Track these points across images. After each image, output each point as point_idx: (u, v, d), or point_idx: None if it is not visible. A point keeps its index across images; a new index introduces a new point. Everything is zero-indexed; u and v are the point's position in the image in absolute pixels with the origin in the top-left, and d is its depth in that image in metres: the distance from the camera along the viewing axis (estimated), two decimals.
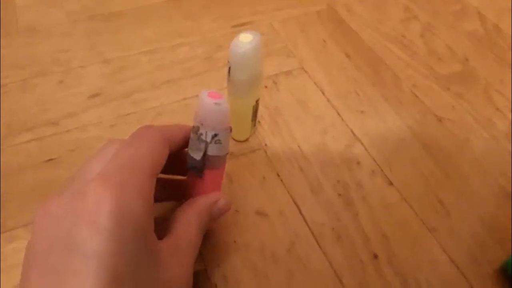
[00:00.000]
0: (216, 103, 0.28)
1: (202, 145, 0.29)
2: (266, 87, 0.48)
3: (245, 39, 0.34)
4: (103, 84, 0.47)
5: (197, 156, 0.29)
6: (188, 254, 0.27)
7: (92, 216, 0.22)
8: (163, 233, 0.27)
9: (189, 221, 0.29)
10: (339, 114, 0.45)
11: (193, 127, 0.29)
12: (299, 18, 0.57)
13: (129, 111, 0.45)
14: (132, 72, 0.49)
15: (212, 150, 0.29)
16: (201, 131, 0.29)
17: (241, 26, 0.55)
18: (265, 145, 0.42)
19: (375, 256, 0.35)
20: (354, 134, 0.44)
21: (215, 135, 0.29)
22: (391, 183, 0.40)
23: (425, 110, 0.46)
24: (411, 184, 0.40)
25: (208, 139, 0.29)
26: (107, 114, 0.44)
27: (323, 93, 0.47)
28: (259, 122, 0.44)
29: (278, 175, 0.40)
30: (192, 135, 0.30)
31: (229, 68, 0.35)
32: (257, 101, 0.39)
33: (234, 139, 0.42)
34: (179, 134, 0.30)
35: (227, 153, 0.31)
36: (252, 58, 0.34)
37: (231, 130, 0.30)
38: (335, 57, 0.52)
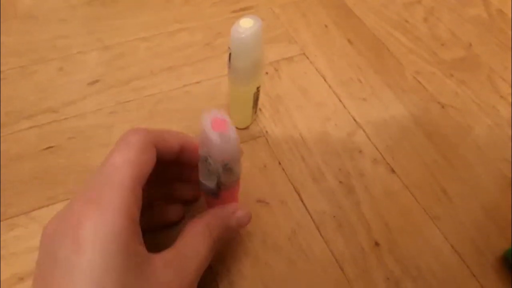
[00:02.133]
0: (221, 136, 0.26)
1: (214, 175, 0.28)
2: (267, 73, 0.47)
3: (246, 24, 0.33)
4: (103, 71, 0.47)
5: (211, 184, 0.28)
6: (189, 266, 0.27)
7: (75, 234, 0.22)
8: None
9: (195, 232, 0.28)
10: (341, 101, 0.45)
11: (201, 156, 0.28)
12: (300, 3, 0.56)
13: (129, 98, 0.44)
14: (131, 58, 0.48)
15: (225, 177, 0.28)
16: (209, 161, 0.27)
17: (241, 11, 0.54)
18: (266, 132, 0.42)
19: (377, 244, 0.35)
20: (356, 122, 0.43)
21: (226, 165, 0.28)
22: (393, 171, 0.40)
23: (428, 97, 0.46)
24: (414, 172, 0.40)
25: (219, 170, 0.28)
26: (107, 101, 0.44)
27: (324, 80, 0.47)
28: (260, 109, 0.44)
29: (280, 163, 0.40)
30: (200, 164, 0.28)
31: (230, 54, 0.34)
32: (258, 88, 0.38)
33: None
34: (171, 140, 0.29)
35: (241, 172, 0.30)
36: (253, 44, 0.34)
37: (242, 153, 0.29)
38: (337, 43, 0.51)
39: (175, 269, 0.26)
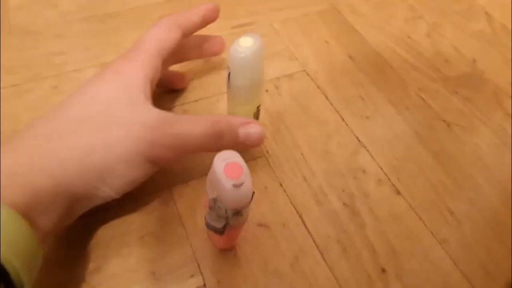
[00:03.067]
0: (235, 185, 0.24)
1: (222, 219, 0.27)
2: (267, 91, 0.46)
3: (246, 43, 0.32)
4: None
5: (218, 225, 0.27)
6: (187, 144, 0.32)
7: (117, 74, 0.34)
8: None
9: (199, 117, 0.33)
10: (343, 119, 0.44)
11: (210, 198, 0.27)
12: (301, 19, 0.55)
13: None
14: None
15: (234, 220, 0.27)
16: (219, 205, 0.26)
17: (241, 27, 0.53)
18: (267, 152, 0.41)
19: (383, 270, 0.34)
20: (359, 141, 0.42)
21: (237, 212, 0.26)
22: (398, 192, 0.38)
23: (433, 115, 0.44)
24: (420, 193, 0.38)
25: (229, 215, 0.27)
26: None
27: (326, 97, 0.46)
28: None
29: (281, 185, 0.39)
30: (210, 204, 0.27)
31: (229, 74, 0.33)
32: (258, 108, 0.37)
33: None
34: (194, 17, 0.39)
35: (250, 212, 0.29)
36: (253, 63, 0.33)
37: (253, 194, 0.27)
38: (338, 59, 0.50)
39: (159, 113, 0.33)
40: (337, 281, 0.33)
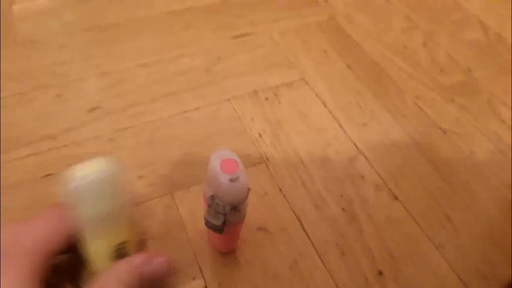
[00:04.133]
0: (232, 180, 0.25)
1: (221, 215, 0.27)
2: (267, 99, 0.47)
3: (87, 169, 0.22)
4: (101, 98, 0.46)
5: (217, 222, 0.28)
6: None
7: None
8: None
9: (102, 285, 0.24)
10: (341, 127, 0.45)
11: (207, 195, 0.27)
12: (300, 29, 0.56)
13: (127, 125, 0.44)
14: (130, 85, 0.48)
15: (232, 217, 0.28)
16: (217, 202, 0.27)
17: (241, 37, 0.54)
18: (267, 159, 0.42)
19: (380, 274, 0.35)
20: (357, 148, 0.43)
21: (234, 207, 0.27)
22: (396, 198, 0.39)
23: (429, 122, 0.45)
24: (417, 199, 0.39)
25: (227, 211, 0.27)
26: (106, 128, 0.44)
27: (324, 105, 0.47)
28: (260, 135, 0.43)
29: (280, 190, 0.39)
30: (208, 202, 0.28)
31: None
32: (120, 245, 0.26)
33: None
34: None
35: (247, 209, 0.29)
36: (93, 194, 0.23)
37: (249, 190, 0.27)
38: (336, 68, 0.51)
39: None
40: (335, 284, 0.34)
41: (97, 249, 0.26)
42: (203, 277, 0.33)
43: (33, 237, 0.24)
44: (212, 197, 0.27)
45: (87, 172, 0.23)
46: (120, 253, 0.27)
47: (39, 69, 0.49)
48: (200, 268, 0.34)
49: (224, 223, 0.28)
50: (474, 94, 0.49)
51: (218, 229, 0.28)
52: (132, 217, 0.26)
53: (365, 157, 0.42)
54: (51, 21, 0.56)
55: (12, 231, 0.24)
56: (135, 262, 0.25)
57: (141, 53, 0.52)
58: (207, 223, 0.28)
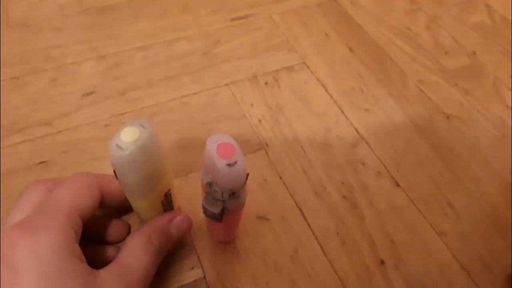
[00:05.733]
0: (229, 165, 0.24)
1: (219, 202, 0.27)
2: (266, 83, 0.46)
3: (128, 138, 0.25)
4: (97, 82, 0.45)
5: (215, 210, 0.27)
6: (135, 276, 0.27)
7: (9, 259, 0.23)
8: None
9: (136, 243, 0.29)
10: (342, 112, 0.44)
11: (205, 182, 0.26)
12: (300, 11, 0.55)
13: (124, 110, 0.43)
14: (127, 68, 0.47)
15: (231, 204, 0.27)
16: (215, 189, 0.26)
17: (240, 19, 0.53)
18: (266, 145, 0.41)
19: (382, 262, 0.34)
20: (358, 133, 0.42)
21: (233, 193, 0.26)
22: (398, 185, 0.38)
23: (433, 107, 0.44)
24: (419, 186, 0.38)
25: (225, 197, 0.26)
26: (101, 113, 0.43)
27: (325, 90, 0.46)
28: (259, 121, 0.42)
29: (280, 177, 0.39)
30: (206, 189, 0.27)
31: (114, 171, 0.27)
32: (166, 194, 0.31)
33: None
34: (115, 187, 0.30)
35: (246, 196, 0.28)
36: (142, 159, 0.26)
37: (248, 176, 0.26)
38: (338, 51, 0.50)
39: (121, 280, 0.26)
40: (336, 273, 0.33)
41: (148, 204, 0.31)
42: (202, 267, 0.33)
43: (69, 201, 0.27)
44: (210, 184, 0.26)
45: (131, 139, 0.25)
46: (167, 201, 0.32)
47: (34, 53, 0.48)
48: (198, 257, 0.33)
49: (223, 210, 0.27)
50: (478, 78, 0.48)
51: (217, 218, 0.28)
52: (169, 165, 0.30)
53: (367, 143, 0.41)
54: (45, 3, 0.54)
55: (48, 192, 0.28)
56: (162, 221, 0.31)
57: (138, 36, 0.50)
58: (206, 212, 0.28)
